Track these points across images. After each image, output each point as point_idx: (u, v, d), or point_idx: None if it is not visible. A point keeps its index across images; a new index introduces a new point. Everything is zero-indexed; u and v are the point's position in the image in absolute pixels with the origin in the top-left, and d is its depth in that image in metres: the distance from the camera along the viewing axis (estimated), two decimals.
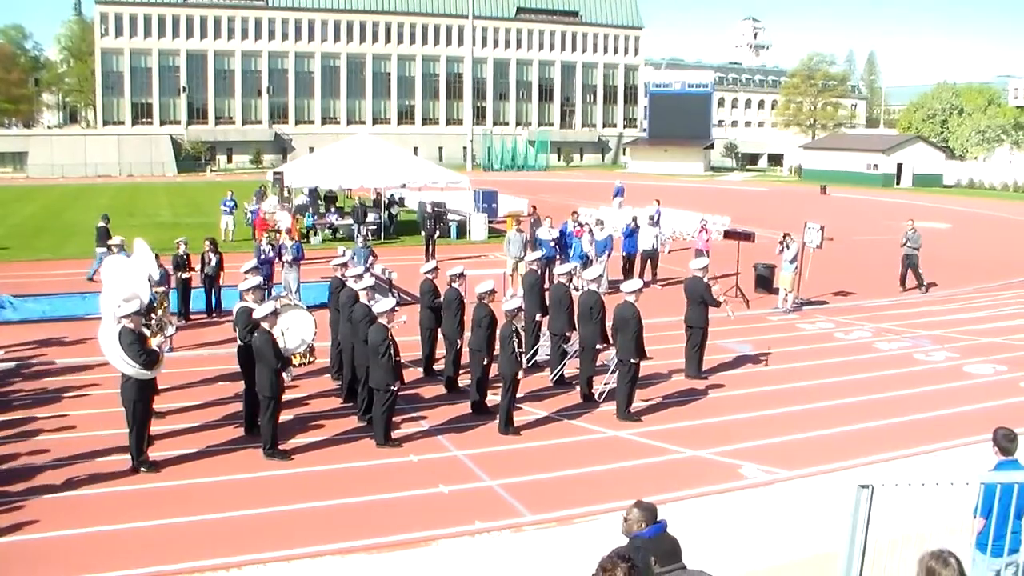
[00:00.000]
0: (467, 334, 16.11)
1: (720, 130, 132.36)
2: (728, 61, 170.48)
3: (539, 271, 19.81)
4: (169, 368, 14.74)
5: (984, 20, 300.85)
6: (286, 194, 39.97)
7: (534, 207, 35.23)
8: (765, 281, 27.44)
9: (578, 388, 16.73)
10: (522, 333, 15.04)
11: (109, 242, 21.35)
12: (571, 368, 17.42)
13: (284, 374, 13.38)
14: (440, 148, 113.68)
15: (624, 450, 14.08)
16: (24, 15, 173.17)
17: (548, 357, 18.12)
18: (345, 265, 17.94)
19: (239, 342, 14.44)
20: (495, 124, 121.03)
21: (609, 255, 27.20)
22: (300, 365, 16.05)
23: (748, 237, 28.00)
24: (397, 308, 14.35)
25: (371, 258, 22.99)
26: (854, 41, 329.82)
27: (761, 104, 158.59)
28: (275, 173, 43.31)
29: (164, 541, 10.66)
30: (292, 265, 23.63)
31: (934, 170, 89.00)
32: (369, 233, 38.01)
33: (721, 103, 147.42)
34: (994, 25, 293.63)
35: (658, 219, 30.60)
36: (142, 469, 12.60)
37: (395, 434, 14.14)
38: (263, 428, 13.36)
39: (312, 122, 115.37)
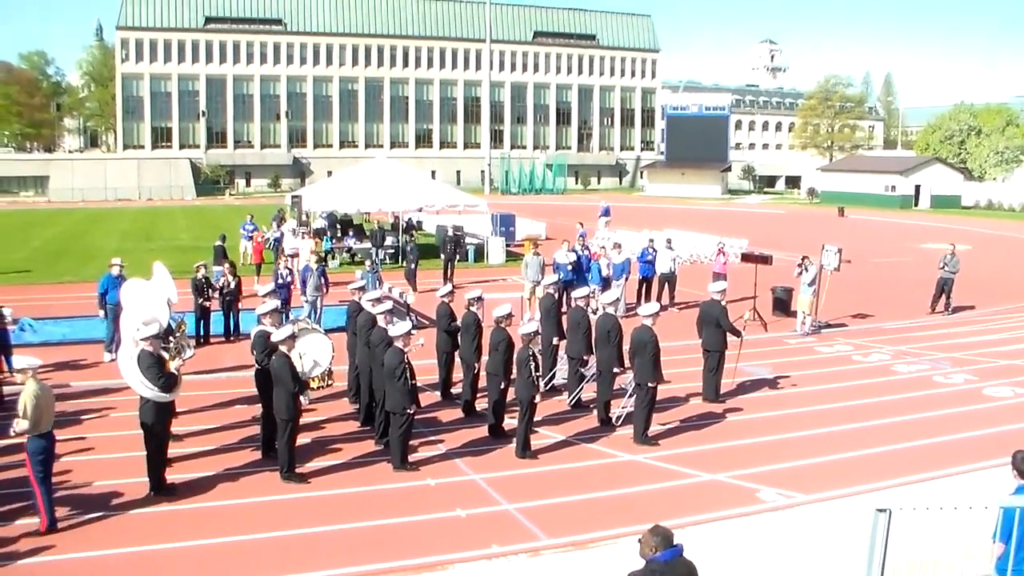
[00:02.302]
0: (484, 358, 16.13)
1: (737, 153, 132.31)
2: (745, 83, 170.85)
3: (556, 295, 19.79)
4: (187, 391, 14.79)
5: (1001, 41, 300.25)
6: (304, 218, 40.12)
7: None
8: (783, 304, 27.37)
9: (595, 412, 16.68)
10: (539, 357, 15.05)
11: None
12: (588, 392, 17.39)
13: (301, 397, 13.41)
14: (458, 172, 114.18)
15: (641, 474, 14.04)
16: (46, 41, 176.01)
17: (565, 381, 18.11)
18: (363, 289, 17.99)
19: (257, 365, 14.48)
20: (513, 147, 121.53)
21: (627, 279, 27.18)
22: (318, 388, 16.09)
23: (766, 260, 27.95)
24: (413, 331, 14.39)
25: (379, 283, 23.05)
26: (871, 62, 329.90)
27: (778, 126, 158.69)
28: (293, 197, 43.50)
29: (181, 564, 10.69)
30: (317, 289, 23.71)
31: (952, 191, 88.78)
32: (387, 257, 38.17)
33: (738, 126, 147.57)
34: (1011, 46, 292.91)
35: (584, 242, 30.47)
36: (160, 492, 12.64)
37: (412, 458, 14.13)
38: (280, 451, 13.38)
39: (330, 146, 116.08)
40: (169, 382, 12.64)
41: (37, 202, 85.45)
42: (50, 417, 11.54)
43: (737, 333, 18.41)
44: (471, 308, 16.92)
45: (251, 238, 38.13)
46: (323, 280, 24.03)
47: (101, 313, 20.84)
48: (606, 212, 53.17)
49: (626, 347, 16.08)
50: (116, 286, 20.68)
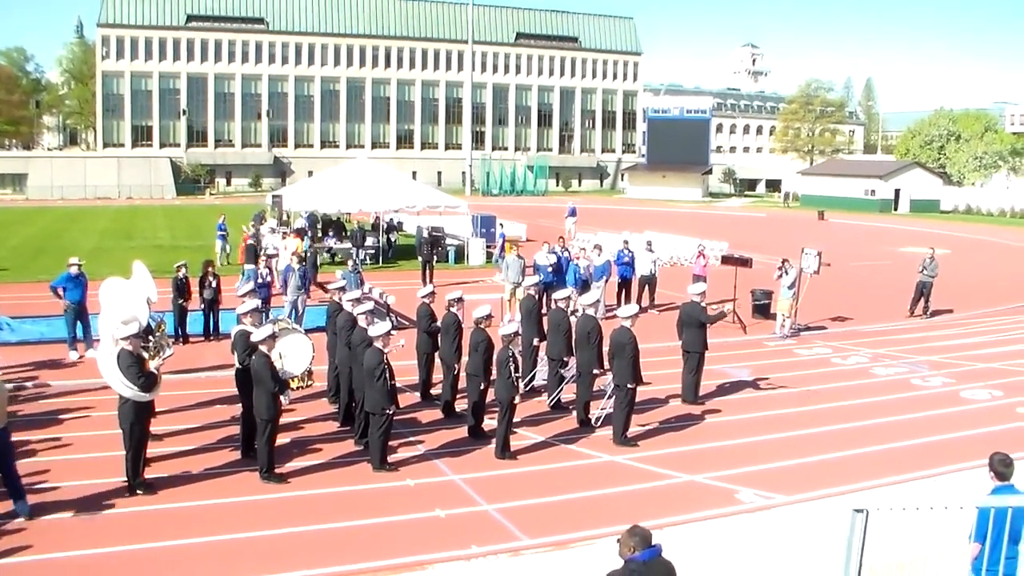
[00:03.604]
0: (464, 358, 16.14)
1: (718, 156, 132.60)
2: (727, 87, 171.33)
3: (537, 296, 19.82)
4: (166, 391, 14.74)
5: (981, 47, 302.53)
6: (285, 218, 40.01)
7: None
8: (762, 307, 27.47)
9: (575, 413, 16.72)
10: (519, 358, 15.06)
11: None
12: (568, 393, 17.42)
13: (281, 397, 13.39)
14: (439, 172, 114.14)
15: (621, 475, 14.08)
16: (26, 37, 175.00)
17: (545, 382, 18.14)
18: (343, 289, 17.99)
19: (237, 365, 14.44)
20: (494, 149, 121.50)
21: (607, 280, 27.22)
22: (298, 388, 16.05)
23: (745, 263, 28.06)
24: (393, 332, 14.38)
25: (361, 284, 23.01)
26: (852, 67, 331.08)
27: (759, 130, 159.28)
28: (274, 196, 43.39)
29: (159, 564, 10.65)
30: (300, 288, 23.66)
31: (931, 196, 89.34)
32: (368, 257, 38.10)
33: (719, 129, 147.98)
34: (991, 52, 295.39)
35: (503, 239, 30.71)
36: (138, 491, 12.59)
37: (392, 458, 14.13)
38: (260, 451, 13.35)
39: (311, 146, 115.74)
40: (149, 381, 12.60)
41: (15, 200, 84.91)
42: (3, 414, 11.56)
43: (722, 315, 18.70)
44: (451, 309, 16.92)
45: (225, 238, 38.04)
46: (304, 280, 23.97)
47: (64, 304, 20.69)
48: (572, 212, 53.79)
49: (606, 348, 16.12)
50: (74, 285, 20.69)
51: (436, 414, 16.84)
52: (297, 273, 23.78)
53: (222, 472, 13.69)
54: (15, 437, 14.80)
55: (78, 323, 20.81)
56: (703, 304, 18.45)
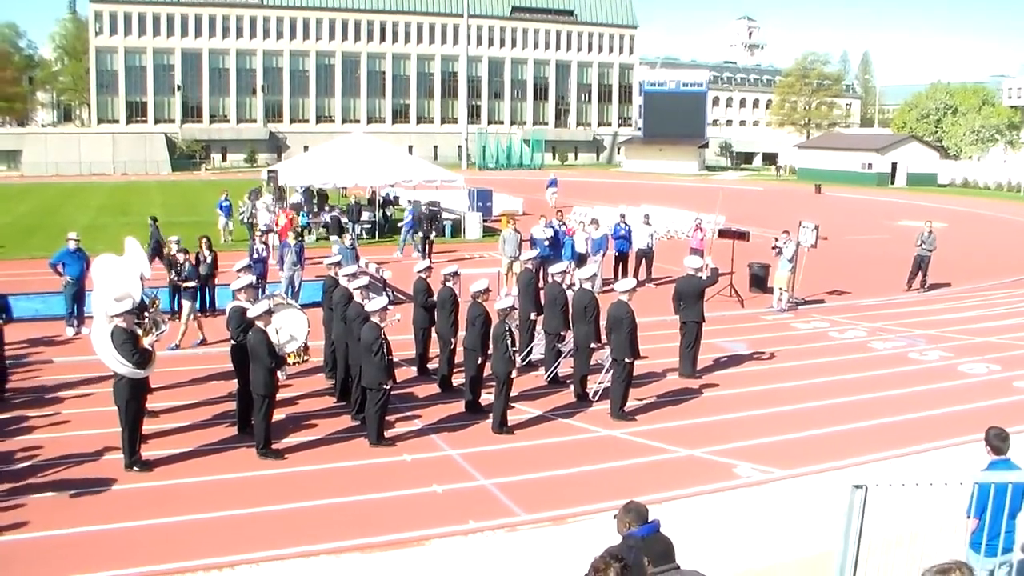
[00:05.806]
0: (461, 333, 16.10)
1: (715, 129, 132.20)
2: (723, 60, 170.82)
3: (534, 270, 19.76)
4: (162, 367, 14.70)
5: (979, 20, 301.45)
6: (281, 193, 39.84)
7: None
8: (760, 280, 27.43)
9: (572, 387, 16.70)
10: (515, 332, 15.02)
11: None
12: (565, 367, 17.39)
13: (278, 373, 13.34)
14: (435, 147, 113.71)
15: (618, 449, 14.06)
16: (18, 13, 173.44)
17: (542, 356, 18.10)
18: (339, 264, 17.92)
19: (232, 341, 14.39)
20: (490, 123, 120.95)
21: (603, 254, 27.15)
22: (294, 364, 16.01)
23: (743, 236, 27.99)
24: (389, 307, 14.33)
25: (356, 259, 22.95)
26: (849, 40, 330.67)
27: (756, 103, 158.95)
28: (269, 172, 43.18)
29: (157, 541, 10.63)
30: (295, 264, 23.57)
31: (928, 169, 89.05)
32: (364, 232, 37.97)
33: (716, 102, 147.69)
34: (989, 25, 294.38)
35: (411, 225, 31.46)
36: (135, 468, 12.57)
37: (389, 433, 14.11)
38: (256, 427, 13.32)
39: (307, 121, 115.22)
40: (143, 358, 12.54)
41: (10, 176, 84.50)
42: None
43: (716, 271, 19.79)
44: (447, 283, 16.88)
45: (229, 214, 37.90)
46: (299, 256, 23.86)
47: (64, 279, 20.63)
48: (553, 183, 54.02)
49: (603, 323, 16.08)
50: (74, 260, 20.62)
51: (433, 389, 16.81)
52: (293, 249, 23.69)
53: (219, 448, 13.67)
54: (12, 414, 14.87)
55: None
56: (700, 276, 18.46)
